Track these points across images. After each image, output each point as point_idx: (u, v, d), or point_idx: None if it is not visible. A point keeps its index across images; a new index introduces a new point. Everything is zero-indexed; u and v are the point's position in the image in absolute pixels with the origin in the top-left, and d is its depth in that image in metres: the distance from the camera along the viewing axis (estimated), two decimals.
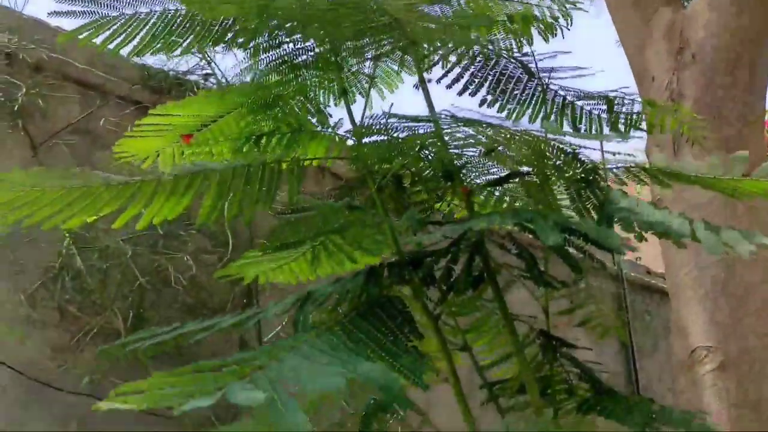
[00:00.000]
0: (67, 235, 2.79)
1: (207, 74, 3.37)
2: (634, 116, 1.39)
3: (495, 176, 1.17)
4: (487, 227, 0.85)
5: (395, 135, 1.17)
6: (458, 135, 1.13)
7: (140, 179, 1.20)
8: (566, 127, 1.33)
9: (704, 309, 1.88)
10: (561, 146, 1.08)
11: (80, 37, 1.36)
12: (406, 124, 1.15)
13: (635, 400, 1.11)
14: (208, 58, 3.26)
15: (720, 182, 1.19)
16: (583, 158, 1.08)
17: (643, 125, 1.47)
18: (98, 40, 1.38)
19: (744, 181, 1.10)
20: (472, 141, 1.14)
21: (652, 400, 1.11)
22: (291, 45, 1.43)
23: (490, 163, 1.17)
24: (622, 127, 1.35)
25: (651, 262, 5.34)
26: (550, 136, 1.10)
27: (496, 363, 1.29)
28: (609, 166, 1.26)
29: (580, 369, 1.23)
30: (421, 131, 1.17)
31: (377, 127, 1.17)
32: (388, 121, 1.16)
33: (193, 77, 3.36)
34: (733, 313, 1.85)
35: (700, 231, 1.01)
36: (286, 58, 1.47)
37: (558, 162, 1.09)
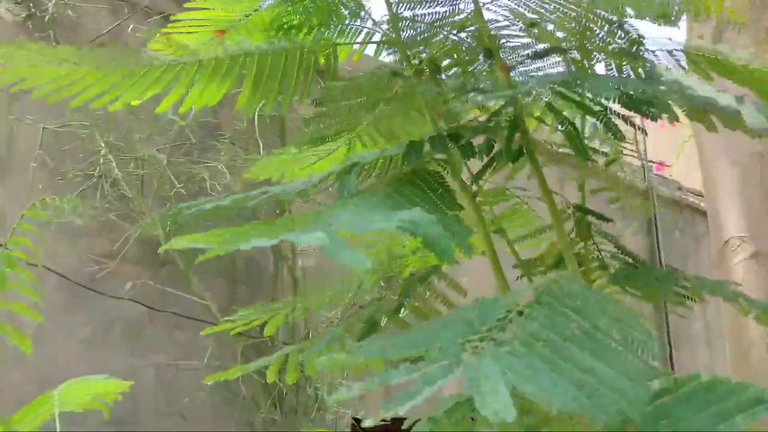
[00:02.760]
0: (103, 144, 2.85)
1: None
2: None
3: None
4: (532, 87, 0.86)
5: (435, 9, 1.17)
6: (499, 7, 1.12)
7: (183, 61, 1.22)
8: None
9: (738, 200, 1.89)
10: (605, 19, 1.06)
11: None
12: None
13: (668, 271, 1.14)
14: None
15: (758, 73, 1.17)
16: (628, 29, 1.07)
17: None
18: None
19: None
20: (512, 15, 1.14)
21: (684, 272, 1.13)
22: None
23: (532, 40, 1.16)
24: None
25: (683, 179, 5.29)
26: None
27: (531, 236, 1.32)
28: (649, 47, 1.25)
29: (614, 245, 1.26)
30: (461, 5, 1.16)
31: None
32: None
33: None
34: (767, 204, 1.85)
35: (743, 106, 1.01)
36: None
37: (602, 34, 1.08)
